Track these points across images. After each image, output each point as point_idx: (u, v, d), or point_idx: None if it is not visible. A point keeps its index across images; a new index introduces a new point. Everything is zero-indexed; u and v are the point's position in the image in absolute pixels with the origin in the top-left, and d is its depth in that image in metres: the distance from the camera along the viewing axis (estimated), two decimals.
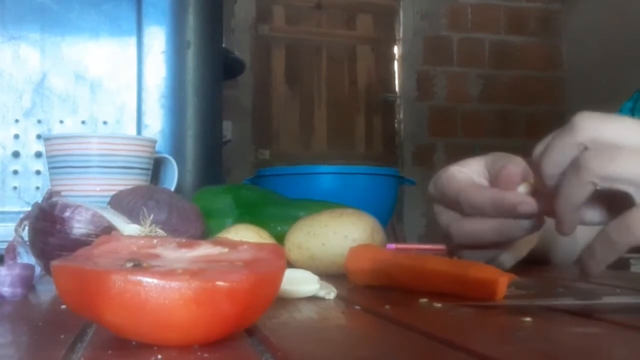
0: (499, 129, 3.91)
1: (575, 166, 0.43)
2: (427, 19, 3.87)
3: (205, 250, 0.36)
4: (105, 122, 0.96)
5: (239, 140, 3.48)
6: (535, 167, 0.47)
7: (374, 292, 0.48)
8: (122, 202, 0.63)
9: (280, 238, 0.62)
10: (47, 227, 0.52)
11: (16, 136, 0.93)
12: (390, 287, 0.48)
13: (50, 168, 0.82)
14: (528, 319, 0.36)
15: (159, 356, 0.28)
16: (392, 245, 0.76)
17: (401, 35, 3.87)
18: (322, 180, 1.01)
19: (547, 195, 0.47)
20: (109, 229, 0.51)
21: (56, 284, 0.32)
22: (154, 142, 0.85)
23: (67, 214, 0.52)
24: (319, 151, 3.78)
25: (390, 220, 1.11)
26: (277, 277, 0.32)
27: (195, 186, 0.95)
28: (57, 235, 0.52)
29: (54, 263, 0.31)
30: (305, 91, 3.81)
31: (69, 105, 0.95)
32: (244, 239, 0.46)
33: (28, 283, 0.47)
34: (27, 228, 0.55)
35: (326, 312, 0.40)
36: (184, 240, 0.37)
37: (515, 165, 0.52)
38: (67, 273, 0.31)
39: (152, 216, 0.55)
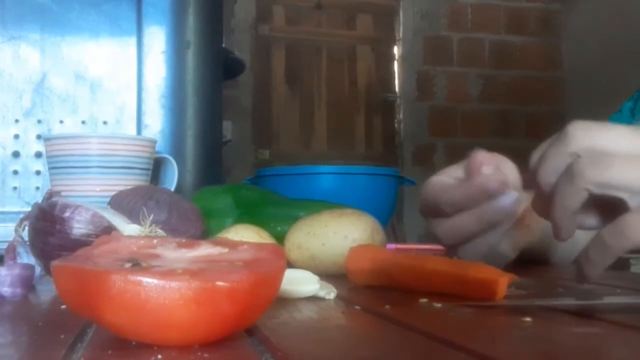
0: (499, 129, 3.91)
1: (569, 173, 0.44)
2: (427, 19, 3.87)
3: (205, 250, 0.36)
4: (105, 122, 0.96)
5: (239, 140, 3.48)
6: (532, 174, 0.47)
7: (374, 292, 0.48)
8: (122, 202, 0.63)
9: (280, 238, 0.62)
10: (47, 227, 0.52)
11: (16, 136, 0.93)
12: (390, 287, 0.48)
13: (50, 168, 0.82)
14: (528, 319, 0.36)
15: (159, 356, 0.28)
16: (392, 245, 0.76)
17: (401, 35, 3.87)
18: (322, 180, 1.01)
19: (545, 201, 0.47)
20: (109, 229, 0.51)
21: (56, 284, 0.32)
22: (154, 142, 0.86)
23: (67, 214, 0.52)
24: (319, 151, 3.78)
25: (390, 220, 1.11)
26: (277, 277, 0.32)
27: (195, 186, 0.95)
28: (57, 235, 0.52)
29: (54, 263, 0.31)
30: (305, 91, 3.81)
31: (69, 105, 0.95)
32: (244, 239, 0.46)
33: (28, 283, 0.47)
34: (27, 228, 0.55)
35: (326, 312, 0.40)
36: (184, 240, 0.37)
37: (481, 153, 0.53)
38: (67, 273, 0.31)
39: (152, 216, 0.55)
